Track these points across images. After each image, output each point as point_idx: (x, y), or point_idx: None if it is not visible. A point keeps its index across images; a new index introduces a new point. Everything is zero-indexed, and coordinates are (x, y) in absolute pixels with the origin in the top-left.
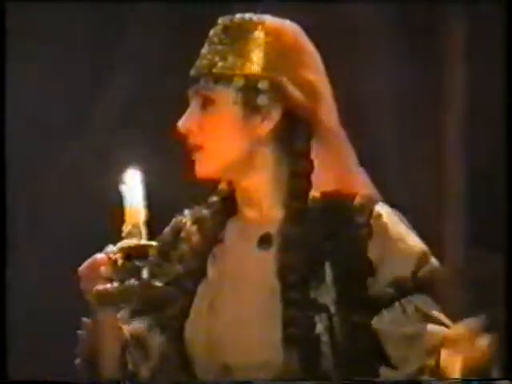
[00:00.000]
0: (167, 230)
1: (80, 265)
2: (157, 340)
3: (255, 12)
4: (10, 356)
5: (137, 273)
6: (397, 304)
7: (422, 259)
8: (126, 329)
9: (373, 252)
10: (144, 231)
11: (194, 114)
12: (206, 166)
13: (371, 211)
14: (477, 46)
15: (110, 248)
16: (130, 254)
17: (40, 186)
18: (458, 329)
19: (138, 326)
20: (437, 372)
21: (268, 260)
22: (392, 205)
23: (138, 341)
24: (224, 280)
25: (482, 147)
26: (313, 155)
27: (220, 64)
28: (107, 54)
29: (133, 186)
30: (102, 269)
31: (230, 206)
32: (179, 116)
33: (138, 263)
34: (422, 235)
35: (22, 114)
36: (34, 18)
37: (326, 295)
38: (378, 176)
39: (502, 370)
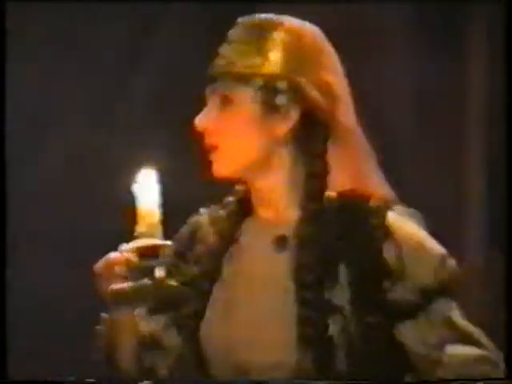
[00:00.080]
0: (183, 229)
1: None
2: (173, 339)
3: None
4: (10, 356)
5: (152, 272)
6: (420, 312)
7: (442, 263)
8: (143, 326)
9: (388, 254)
10: (160, 231)
11: (212, 112)
12: (222, 166)
13: (387, 213)
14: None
15: (125, 247)
16: (146, 253)
17: (42, 186)
18: None
19: (154, 324)
20: None
21: (283, 260)
22: (410, 205)
23: (154, 339)
24: (239, 280)
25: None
26: (329, 156)
27: (239, 63)
28: (120, 53)
29: (148, 185)
30: (117, 268)
31: (245, 206)
32: (196, 115)
33: (153, 263)
34: (442, 236)
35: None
36: (34, 18)
37: (341, 296)
38: (397, 176)
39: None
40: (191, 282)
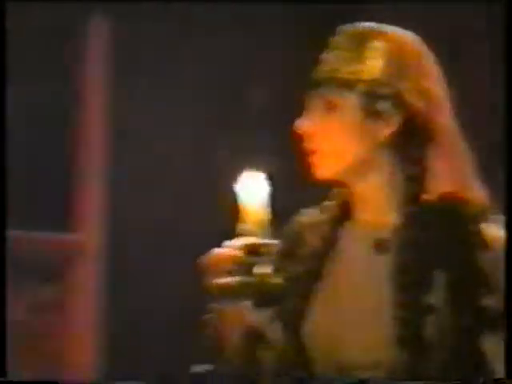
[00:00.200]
0: (287, 229)
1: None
2: (277, 332)
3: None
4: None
5: (257, 269)
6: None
7: None
8: (249, 318)
9: (486, 263)
10: (267, 230)
11: (315, 117)
12: (323, 169)
13: (485, 219)
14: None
15: (232, 243)
16: (252, 250)
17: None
18: None
19: (260, 317)
20: None
21: (382, 263)
22: None
23: (259, 331)
24: (339, 282)
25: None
26: (429, 159)
27: (343, 69)
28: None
29: (256, 185)
30: (224, 263)
31: (345, 209)
32: (297, 118)
33: (259, 260)
34: None
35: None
36: (34, 18)
37: (438, 299)
38: None
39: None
40: (295, 281)
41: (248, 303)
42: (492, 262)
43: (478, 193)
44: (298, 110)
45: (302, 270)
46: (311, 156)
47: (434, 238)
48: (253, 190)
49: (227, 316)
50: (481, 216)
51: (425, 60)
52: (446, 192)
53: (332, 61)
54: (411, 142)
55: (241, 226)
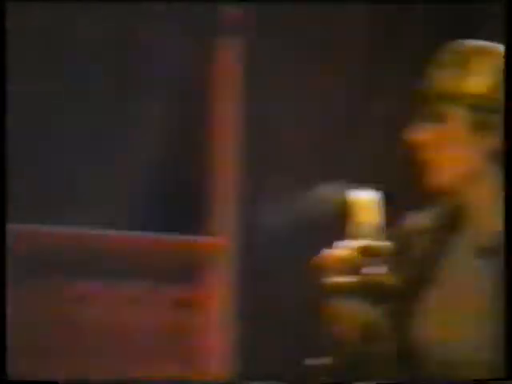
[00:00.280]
0: (395, 233)
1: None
2: (388, 331)
3: None
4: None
5: (372, 269)
6: None
7: None
8: (362, 316)
9: None
10: (379, 232)
11: (427, 128)
12: (436, 178)
13: None
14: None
15: (345, 244)
16: (366, 251)
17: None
18: None
19: (372, 315)
20: None
21: (487, 270)
22: None
23: (371, 329)
24: (445, 287)
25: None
26: None
27: (453, 84)
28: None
29: (370, 190)
30: (338, 262)
31: (454, 216)
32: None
33: (372, 260)
34: None
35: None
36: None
37: None
38: None
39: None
40: (406, 283)
41: (363, 301)
42: None
43: None
44: (411, 121)
45: (413, 274)
46: (425, 166)
47: None
48: (367, 193)
49: (343, 313)
50: None
51: None
52: None
53: (442, 76)
54: None
55: (355, 228)
